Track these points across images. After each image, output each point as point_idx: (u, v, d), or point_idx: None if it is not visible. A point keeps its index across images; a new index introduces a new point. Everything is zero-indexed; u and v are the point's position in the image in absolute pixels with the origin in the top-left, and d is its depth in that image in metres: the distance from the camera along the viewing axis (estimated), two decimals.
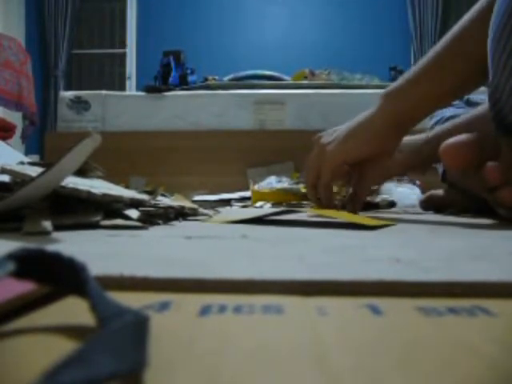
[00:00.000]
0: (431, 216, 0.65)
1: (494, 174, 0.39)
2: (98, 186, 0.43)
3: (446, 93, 0.53)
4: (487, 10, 0.47)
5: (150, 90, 2.13)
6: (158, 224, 0.43)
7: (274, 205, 1.01)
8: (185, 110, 2.06)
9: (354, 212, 0.57)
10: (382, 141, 0.54)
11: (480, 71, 0.49)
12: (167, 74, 2.25)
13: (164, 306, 0.14)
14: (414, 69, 0.55)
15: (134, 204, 0.44)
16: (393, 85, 0.56)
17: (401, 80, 0.55)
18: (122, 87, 4.08)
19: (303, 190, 1.01)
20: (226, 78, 2.45)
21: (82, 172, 0.47)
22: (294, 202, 1.02)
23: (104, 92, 2.12)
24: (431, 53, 0.53)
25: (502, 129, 0.45)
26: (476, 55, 0.49)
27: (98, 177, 0.50)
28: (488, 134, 0.45)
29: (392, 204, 0.88)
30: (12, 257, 0.12)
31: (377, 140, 0.54)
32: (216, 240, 0.29)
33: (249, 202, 1.11)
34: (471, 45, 0.50)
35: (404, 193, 1.06)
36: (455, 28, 0.52)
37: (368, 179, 0.58)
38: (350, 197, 0.60)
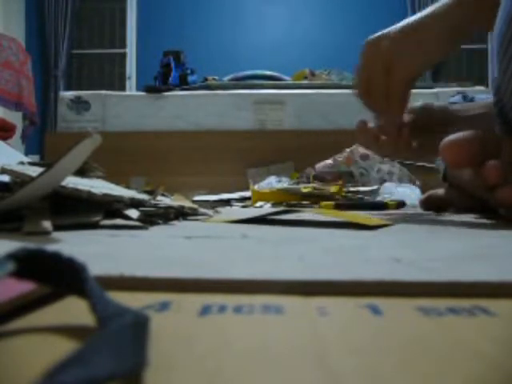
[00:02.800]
0: (431, 216, 0.65)
1: (495, 172, 0.39)
2: (98, 186, 0.43)
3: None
4: None
5: (149, 90, 2.13)
6: (158, 224, 0.43)
7: (274, 205, 1.01)
8: (185, 110, 2.06)
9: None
10: (444, 44, 0.51)
11: None
12: (167, 74, 2.25)
13: (164, 306, 0.14)
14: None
15: (134, 204, 0.44)
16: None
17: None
18: (122, 87, 4.08)
19: (303, 190, 1.01)
20: (225, 78, 2.45)
21: (82, 172, 0.47)
22: (294, 202, 1.02)
23: (104, 92, 2.12)
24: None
25: (504, 126, 0.45)
26: None
27: (98, 177, 0.50)
28: (489, 131, 0.45)
29: (402, 204, 0.85)
30: (12, 257, 0.12)
31: (440, 43, 0.51)
32: (216, 240, 0.29)
33: (249, 202, 1.11)
34: None
35: (404, 193, 1.06)
36: None
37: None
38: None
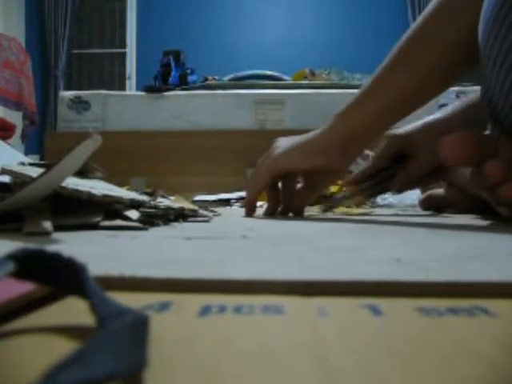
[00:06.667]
0: (431, 216, 0.65)
1: (497, 170, 0.39)
2: (98, 186, 0.43)
3: (397, 107, 0.52)
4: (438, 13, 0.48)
5: (149, 89, 2.13)
6: (158, 225, 0.43)
7: None
8: (185, 110, 2.06)
9: (300, 214, 0.60)
10: (326, 158, 0.54)
11: (428, 80, 0.49)
12: (167, 74, 2.26)
13: (164, 306, 0.14)
14: (362, 88, 0.54)
15: (134, 205, 0.44)
16: (345, 104, 0.55)
17: (352, 99, 0.54)
18: (122, 87, 4.08)
19: None
20: (225, 78, 2.45)
21: (82, 173, 0.47)
22: None
23: (104, 92, 2.12)
24: (378, 69, 0.52)
25: (498, 126, 0.45)
26: (425, 60, 0.49)
27: (99, 177, 0.50)
28: (486, 130, 0.45)
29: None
30: (12, 257, 0.12)
31: (320, 157, 0.55)
32: (216, 240, 0.29)
33: None
34: (416, 53, 0.50)
35: (404, 193, 1.06)
36: (400, 41, 0.51)
37: (314, 189, 0.60)
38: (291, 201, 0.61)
